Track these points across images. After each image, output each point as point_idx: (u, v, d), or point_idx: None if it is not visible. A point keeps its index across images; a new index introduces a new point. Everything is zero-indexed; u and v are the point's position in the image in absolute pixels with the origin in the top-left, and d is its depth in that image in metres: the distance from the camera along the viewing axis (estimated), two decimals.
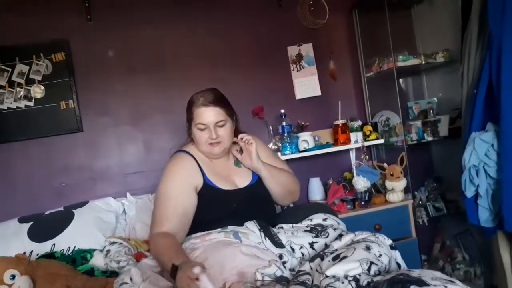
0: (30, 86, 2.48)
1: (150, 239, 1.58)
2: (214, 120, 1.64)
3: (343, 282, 1.16)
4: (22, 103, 2.47)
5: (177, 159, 1.72)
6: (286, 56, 2.87)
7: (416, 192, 2.78)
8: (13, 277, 1.54)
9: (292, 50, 2.87)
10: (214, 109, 1.65)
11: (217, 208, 1.64)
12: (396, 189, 2.53)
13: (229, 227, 1.56)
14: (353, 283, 1.16)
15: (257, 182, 1.78)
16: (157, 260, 1.52)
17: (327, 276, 1.18)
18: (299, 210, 1.83)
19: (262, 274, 1.26)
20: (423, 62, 2.67)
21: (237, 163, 1.80)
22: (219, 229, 1.54)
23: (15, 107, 2.46)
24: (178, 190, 1.61)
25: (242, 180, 1.75)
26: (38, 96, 2.49)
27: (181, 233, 1.55)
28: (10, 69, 2.46)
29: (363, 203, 2.52)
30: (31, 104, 2.48)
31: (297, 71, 2.87)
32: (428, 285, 1.06)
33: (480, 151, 1.97)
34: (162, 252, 1.44)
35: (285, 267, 1.37)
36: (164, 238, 1.49)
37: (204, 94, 1.67)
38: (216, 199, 1.65)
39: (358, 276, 1.18)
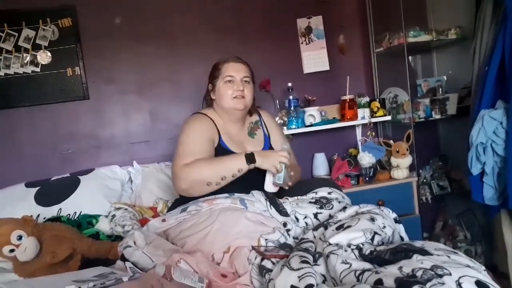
0: (37, 52, 2.46)
1: (180, 170, 1.56)
2: (242, 74, 1.78)
3: (346, 250, 1.16)
4: (29, 69, 2.46)
5: (196, 117, 1.79)
6: (295, 28, 2.82)
7: (421, 170, 2.78)
8: (20, 237, 1.56)
9: (302, 23, 2.82)
10: (243, 66, 1.82)
11: None
12: (401, 166, 2.53)
13: (236, 194, 1.57)
14: (356, 252, 1.16)
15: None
16: (205, 172, 1.54)
17: (330, 244, 1.18)
18: (304, 184, 1.83)
19: (266, 240, 1.28)
20: (434, 39, 2.62)
21: (251, 133, 1.86)
22: (226, 195, 1.55)
23: (21, 72, 2.46)
24: (200, 136, 1.68)
25: (254, 148, 1.77)
26: (45, 62, 2.48)
27: None
28: (16, 34, 2.44)
29: (367, 178, 2.52)
30: (38, 70, 2.47)
31: (306, 44, 2.83)
32: (431, 254, 1.06)
33: (488, 128, 1.94)
34: (211, 162, 1.57)
35: (289, 234, 1.39)
36: (199, 159, 1.57)
37: (231, 56, 1.82)
38: None
39: (361, 245, 1.18)
